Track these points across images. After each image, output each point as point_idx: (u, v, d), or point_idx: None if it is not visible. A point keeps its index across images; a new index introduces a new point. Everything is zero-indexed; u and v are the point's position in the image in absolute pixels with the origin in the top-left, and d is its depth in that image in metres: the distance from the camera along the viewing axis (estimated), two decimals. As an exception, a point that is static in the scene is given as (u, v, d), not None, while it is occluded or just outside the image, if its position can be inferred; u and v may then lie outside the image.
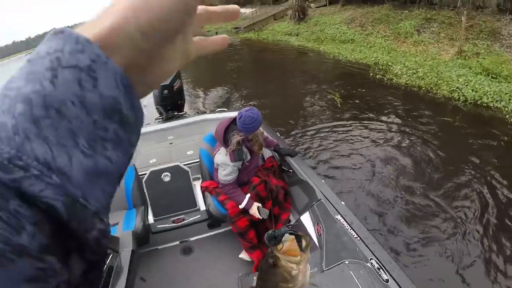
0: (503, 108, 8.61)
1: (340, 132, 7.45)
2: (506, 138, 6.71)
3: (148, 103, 4.87)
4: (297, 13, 22.72)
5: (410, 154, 6.29)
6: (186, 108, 5.48)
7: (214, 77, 15.05)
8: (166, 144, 4.14)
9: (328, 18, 20.84)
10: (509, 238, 4.02)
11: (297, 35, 21.46)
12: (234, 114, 2.98)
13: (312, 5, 23.97)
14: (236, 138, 2.79)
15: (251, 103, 9.70)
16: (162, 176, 3.13)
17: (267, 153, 3.66)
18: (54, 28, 0.26)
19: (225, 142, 2.86)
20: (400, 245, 4.05)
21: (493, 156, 6.02)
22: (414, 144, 6.72)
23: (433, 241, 4.10)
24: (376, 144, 6.79)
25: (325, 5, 23.49)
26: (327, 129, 7.67)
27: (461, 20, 13.24)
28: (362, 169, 5.83)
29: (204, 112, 5.38)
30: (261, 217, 2.81)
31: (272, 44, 21.20)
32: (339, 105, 9.49)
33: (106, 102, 0.24)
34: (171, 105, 4.77)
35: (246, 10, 31.29)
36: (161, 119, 4.73)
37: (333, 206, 2.57)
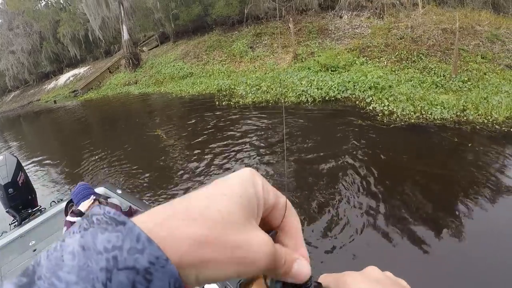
0: (350, 96, 8.47)
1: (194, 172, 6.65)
2: (359, 121, 7.11)
3: None
4: (130, 60, 20.51)
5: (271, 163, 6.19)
6: (40, 200, 4.70)
7: (61, 149, 12.07)
8: (30, 253, 3.50)
9: (162, 58, 19.29)
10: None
11: (136, 83, 19.27)
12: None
13: (144, 48, 22.07)
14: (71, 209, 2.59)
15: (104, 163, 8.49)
16: None
17: None
18: (116, 213, 0.24)
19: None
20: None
21: (354, 139, 6.39)
22: (274, 155, 6.51)
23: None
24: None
25: (157, 46, 21.89)
26: (181, 172, 6.77)
27: (289, 27, 13.06)
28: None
29: (61, 200, 4.46)
30: None
31: (114, 99, 18.54)
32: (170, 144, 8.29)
33: None
34: (22, 204, 4.16)
35: (80, 70, 27.62)
36: (16, 222, 4.13)
37: None
